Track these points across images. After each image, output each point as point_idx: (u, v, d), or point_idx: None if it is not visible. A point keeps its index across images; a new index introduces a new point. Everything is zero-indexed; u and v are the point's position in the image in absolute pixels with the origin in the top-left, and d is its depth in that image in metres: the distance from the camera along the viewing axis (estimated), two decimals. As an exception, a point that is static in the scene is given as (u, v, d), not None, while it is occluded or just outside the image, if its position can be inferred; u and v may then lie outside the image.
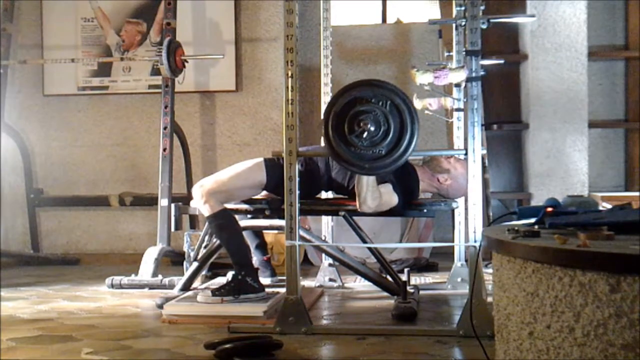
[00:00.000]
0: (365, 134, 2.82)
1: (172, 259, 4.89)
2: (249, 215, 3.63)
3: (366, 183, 3.24)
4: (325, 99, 4.27)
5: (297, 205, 2.87)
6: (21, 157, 5.43)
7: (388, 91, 2.86)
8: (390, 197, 3.34)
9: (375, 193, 3.27)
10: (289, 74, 2.88)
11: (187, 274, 3.68)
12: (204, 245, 3.72)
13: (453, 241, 4.11)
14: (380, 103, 2.84)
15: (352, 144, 2.85)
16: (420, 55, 5.62)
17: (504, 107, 5.49)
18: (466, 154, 2.84)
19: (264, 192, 3.57)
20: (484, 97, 4.44)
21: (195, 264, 3.69)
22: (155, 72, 5.13)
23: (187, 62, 4.74)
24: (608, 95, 5.60)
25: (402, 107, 2.84)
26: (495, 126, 5.35)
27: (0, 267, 4.72)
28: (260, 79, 5.41)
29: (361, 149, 2.85)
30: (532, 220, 1.99)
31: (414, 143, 2.85)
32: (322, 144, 4.21)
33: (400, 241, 5.02)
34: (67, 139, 5.56)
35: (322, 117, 4.25)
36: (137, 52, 5.43)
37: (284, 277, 2.91)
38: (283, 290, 3.00)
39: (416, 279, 4.23)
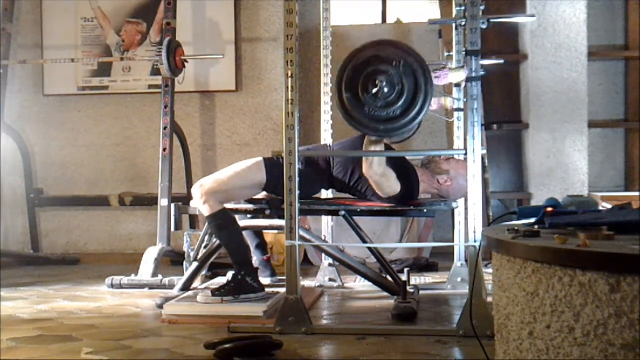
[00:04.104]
0: (380, 94, 2.81)
1: (172, 259, 4.88)
2: (249, 215, 3.63)
3: (374, 147, 3.23)
4: (325, 99, 4.27)
5: (297, 205, 2.87)
6: (21, 157, 5.43)
7: (400, 51, 2.85)
8: (395, 179, 3.33)
9: (382, 160, 3.25)
10: (289, 74, 2.88)
11: (187, 274, 3.68)
12: (204, 245, 3.72)
13: (453, 241, 4.11)
14: (394, 63, 2.83)
15: (366, 104, 2.84)
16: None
17: (504, 107, 5.49)
18: (466, 154, 2.84)
19: (264, 193, 3.57)
20: (484, 97, 4.44)
21: (195, 264, 3.69)
22: (155, 72, 5.14)
23: (187, 62, 4.74)
24: (608, 95, 5.60)
25: (415, 66, 2.83)
26: (495, 126, 5.35)
27: (0, 267, 4.72)
28: (260, 79, 5.41)
29: (375, 109, 2.84)
30: (532, 220, 1.99)
31: (427, 104, 2.84)
32: (322, 142, 4.24)
33: (400, 241, 5.02)
34: (67, 139, 5.56)
35: (322, 114, 4.26)
36: (137, 52, 5.43)
37: (284, 277, 2.91)
38: (283, 290, 3.00)
39: (416, 279, 4.23)
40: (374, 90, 2.80)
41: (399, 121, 2.85)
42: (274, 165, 3.43)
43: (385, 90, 2.80)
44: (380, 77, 2.81)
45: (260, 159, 3.53)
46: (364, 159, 3.30)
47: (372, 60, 2.84)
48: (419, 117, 2.85)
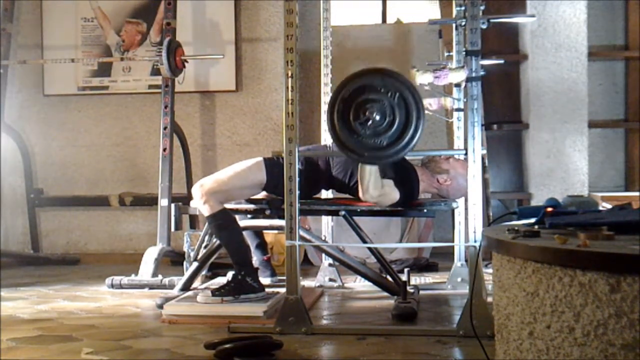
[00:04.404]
0: (369, 123, 2.81)
1: (172, 259, 4.88)
2: (249, 215, 3.63)
3: (369, 172, 3.24)
4: (325, 99, 4.27)
5: (297, 205, 2.87)
6: (21, 157, 5.43)
7: (398, 82, 2.85)
8: (391, 191, 3.33)
9: (377, 182, 3.26)
10: (289, 74, 2.88)
11: (187, 274, 3.68)
12: (204, 245, 3.72)
13: (453, 241, 4.11)
14: (389, 94, 2.83)
15: (355, 131, 2.85)
16: (420, 55, 5.62)
17: (504, 107, 5.49)
18: (466, 154, 2.84)
19: (264, 193, 3.57)
20: (484, 97, 4.44)
21: (195, 264, 3.69)
22: (155, 72, 5.14)
23: (187, 62, 4.75)
24: (608, 95, 5.60)
25: (410, 100, 2.84)
26: (495, 126, 5.35)
27: (0, 267, 4.72)
28: (260, 79, 5.41)
29: (363, 137, 2.84)
30: (532, 220, 1.99)
31: (416, 139, 2.84)
32: (322, 142, 4.24)
33: (400, 241, 5.02)
34: (67, 139, 5.56)
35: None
36: (137, 52, 5.43)
37: (284, 277, 2.91)
38: (283, 290, 3.00)
39: (416, 279, 4.23)
40: (364, 119, 2.81)
41: (384, 151, 2.86)
42: (273, 165, 3.44)
43: (377, 118, 2.81)
44: (374, 106, 2.81)
45: (260, 159, 3.53)
46: (359, 185, 3.30)
47: (368, 87, 2.84)
48: (404, 151, 2.85)
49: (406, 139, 2.83)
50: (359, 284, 4.10)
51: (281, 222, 3.27)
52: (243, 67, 5.42)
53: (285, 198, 2.88)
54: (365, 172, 3.25)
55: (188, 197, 4.24)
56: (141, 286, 4.10)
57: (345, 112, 2.85)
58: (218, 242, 3.56)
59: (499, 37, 5.35)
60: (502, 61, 4.75)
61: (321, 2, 4.32)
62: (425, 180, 3.59)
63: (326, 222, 4.19)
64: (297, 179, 2.88)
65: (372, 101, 2.82)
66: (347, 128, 2.85)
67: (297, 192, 2.87)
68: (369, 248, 3.64)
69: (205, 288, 3.52)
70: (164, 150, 4.59)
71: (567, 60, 5.18)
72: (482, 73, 2.87)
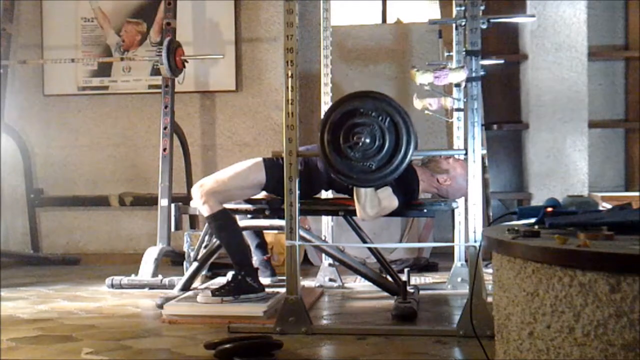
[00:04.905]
0: (359, 146, 2.82)
1: (172, 259, 4.88)
2: (249, 215, 3.63)
3: (364, 192, 3.21)
4: (326, 98, 4.27)
5: (297, 205, 2.87)
6: (21, 157, 5.43)
7: (390, 107, 2.85)
8: (390, 201, 3.31)
9: (373, 201, 3.24)
10: (289, 74, 2.88)
11: (187, 274, 3.68)
12: (204, 245, 3.72)
13: (453, 241, 4.11)
14: (380, 118, 2.84)
15: (344, 154, 2.86)
16: (420, 55, 5.62)
17: (504, 107, 5.49)
18: (466, 154, 2.84)
19: (264, 193, 3.57)
20: (484, 97, 4.45)
21: (195, 264, 3.69)
22: (155, 72, 5.14)
23: (187, 62, 4.74)
24: (608, 95, 5.60)
25: (400, 125, 2.84)
26: (495, 126, 5.35)
27: (0, 267, 4.72)
28: (260, 79, 5.41)
29: (352, 160, 2.85)
30: (532, 220, 1.99)
31: (405, 163, 2.85)
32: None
33: (400, 241, 5.01)
34: (67, 139, 5.56)
35: (322, 117, 4.26)
36: (137, 52, 5.43)
37: (284, 277, 2.91)
38: (283, 290, 3.00)
39: (416, 279, 4.23)
40: (353, 143, 2.81)
41: (373, 175, 2.87)
42: (273, 166, 3.43)
43: (367, 141, 2.81)
44: (364, 129, 2.82)
45: (260, 159, 3.53)
46: (356, 204, 3.28)
47: (360, 110, 2.85)
48: (393, 175, 2.86)
49: (395, 164, 2.84)
50: (359, 284, 4.10)
51: (281, 222, 3.27)
52: (243, 67, 5.42)
53: (285, 198, 2.88)
54: (360, 192, 3.21)
55: (188, 197, 4.24)
56: (141, 286, 4.10)
57: (335, 135, 2.86)
58: (218, 242, 3.56)
59: (499, 37, 5.35)
60: (502, 61, 4.75)
61: (321, 2, 4.32)
62: (425, 181, 3.59)
63: (326, 222, 4.19)
64: (297, 179, 2.88)
65: (363, 125, 2.83)
66: (336, 151, 2.86)
67: (297, 192, 2.87)
68: (369, 248, 3.64)
69: (205, 288, 3.52)
70: (164, 150, 4.59)
71: (567, 60, 5.18)
72: (482, 73, 2.87)
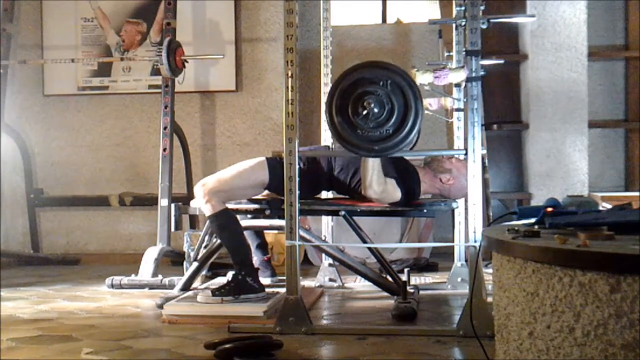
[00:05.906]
0: (370, 115, 2.82)
1: (172, 259, 4.88)
2: (249, 215, 3.63)
3: (371, 166, 3.26)
4: (325, 98, 4.26)
5: (297, 205, 2.87)
6: (21, 157, 5.43)
7: (387, 71, 2.87)
8: (394, 189, 3.35)
9: (380, 178, 3.29)
10: (289, 74, 2.88)
11: (187, 274, 3.68)
12: (204, 245, 3.72)
13: (453, 241, 4.11)
14: (382, 83, 2.85)
15: (357, 127, 2.86)
16: (420, 55, 5.62)
17: (504, 107, 5.49)
18: (466, 154, 2.84)
19: (266, 192, 3.57)
20: (484, 97, 4.43)
21: (195, 264, 3.69)
22: (155, 72, 5.14)
23: (187, 62, 4.74)
24: (608, 95, 5.60)
25: (403, 84, 2.85)
26: (495, 126, 5.35)
27: (0, 267, 4.72)
28: (260, 79, 5.41)
29: (367, 130, 2.86)
30: (532, 220, 1.99)
31: (419, 120, 2.86)
32: (322, 142, 4.23)
33: (400, 241, 5.01)
34: (67, 139, 5.56)
35: (322, 114, 4.26)
36: (137, 52, 5.43)
37: (284, 277, 2.91)
38: (283, 290, 3.00)
39: (416, 279, 4.22)
40: (364, 112, 2.82)
41: (393, 139, 2.87)
42: (276, 165, 3.43)
43: (375, 110, 2.82)
44: (369, 98, 2.82)
45: (263, 158, 3.53)
46: (362, 180, 3.31)
47: (359, 82, 2.86)
48: (412, 134, 2.87)
49: (410, 123, 2.85)
50: (359, 284, 4.10)
51: (281, 222, 3.27)
52: (243, 67, 5.42)
53: (285, 198, 2.88)
54: (367, 168, 3.26)
55: (188, 197, 4.24)
56: (141, 286, 4.10)
57: (344, 111, 2.87)
58: (218, 242, 3.56)
59: (499, 37, 5.36)
60: (502, 61, 4.75)
61: (321, 2, 4.32)
62: (427, 182, 3.58)
63: (326, 222, 4.19)
64: (298, 179, 2.88)
65: (367, 94, 2.84)
66: (349, 126, 2.86)
67: (297, 192, 2.87)
68: (369, 248, 3.63)
69: (205, 288, 3.52)
70: (164, 150, 4.59)
71: (567, 60, 5.18)
72: (482, 73, 2.87)
